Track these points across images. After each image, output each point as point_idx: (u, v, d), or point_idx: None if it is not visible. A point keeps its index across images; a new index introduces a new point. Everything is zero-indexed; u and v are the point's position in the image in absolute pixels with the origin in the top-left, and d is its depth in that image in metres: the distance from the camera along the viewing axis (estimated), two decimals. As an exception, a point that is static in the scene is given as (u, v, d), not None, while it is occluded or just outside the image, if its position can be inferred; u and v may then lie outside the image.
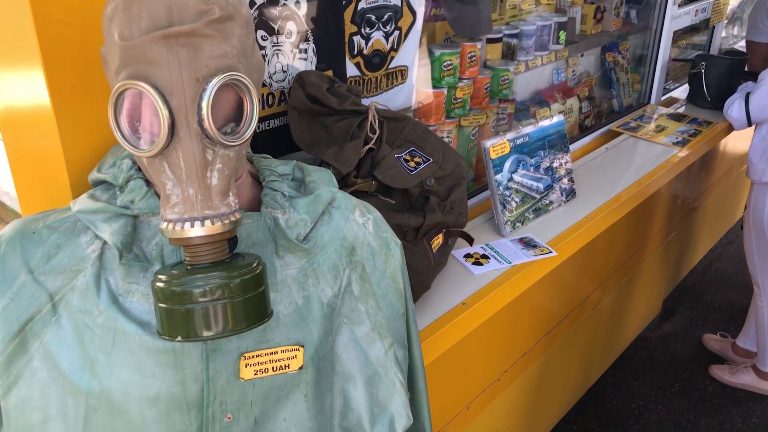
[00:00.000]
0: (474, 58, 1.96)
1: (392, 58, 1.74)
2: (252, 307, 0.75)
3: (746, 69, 2.95)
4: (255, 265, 0.76)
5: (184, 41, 0.70)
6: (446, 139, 1.99)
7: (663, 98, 3.02)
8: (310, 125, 1.38)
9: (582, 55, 2.70)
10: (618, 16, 2.78)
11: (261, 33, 1.34)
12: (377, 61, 1.69)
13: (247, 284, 0.74)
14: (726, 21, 4.08)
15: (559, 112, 2.49)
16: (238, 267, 0.74)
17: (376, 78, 1.71)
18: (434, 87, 1.90)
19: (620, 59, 2.82)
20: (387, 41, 1.70)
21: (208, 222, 0.73)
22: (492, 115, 2.15)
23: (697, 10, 3.05)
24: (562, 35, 2.44)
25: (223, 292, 0.72)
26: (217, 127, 0.74)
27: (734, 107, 2.60)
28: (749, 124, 2.61)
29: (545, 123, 1.90)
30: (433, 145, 1.48)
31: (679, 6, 2.87)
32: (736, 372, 2.94)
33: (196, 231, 0.72)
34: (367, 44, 1.64)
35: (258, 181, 0.92)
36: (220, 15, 0.73)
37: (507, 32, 2.22)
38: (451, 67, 1.88)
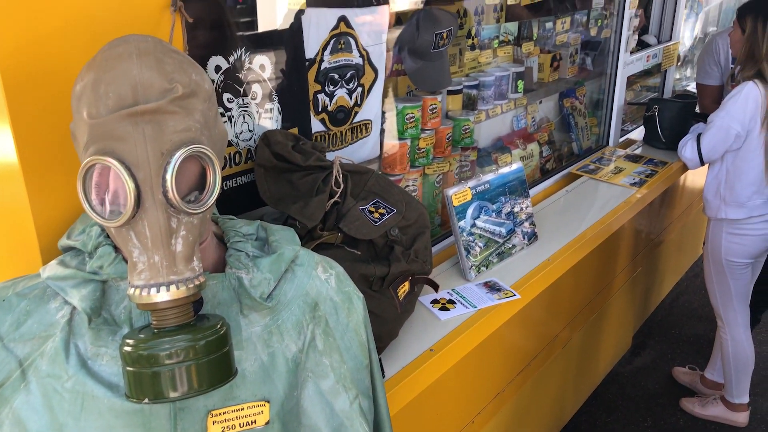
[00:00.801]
0: (435, 110, 2.05)
1: (356, 113, 1.81)
2: (217, 367, 0.78)
3: (697, 110, 3.11)
4: (219, 326, 0.79)
5: (150, 118, 0.75)
6: (411, 188, 2.06)
7: (621, 140, 3.15)
8: (277, 181, 1.43)
9: (540, 102, 2.81)
10: (574, 63, 2.92)
11: (227, 96, 1.40)
12: (342, 116, 1.76)
13: (211, 345, 0.77)
14: (678, 64, 4.28)
15: (521, 158, 2.58)
16: (202, 329, 0.78)
17: (342, 132, 1.78)
18: (398, 138, 1.97)
19: (578, 104, 2.95)
20: (350, 97, 1.77)
21: (173, 287, 0.76)
22: (455, 163, 2.23)
23: (648, 56, 3.21)
24: (520, 84, 2.55)
25: (188, 353, 0.75)
26: (182, 197, 0.78)
27: (687, 148, 2.72)
28: (702, 163, 2.73)
29: (505, 170, 1.98)
30: (397, 196, 1.54)
31: (631, 53, 3.02)
32: (706, 404, 2.99)
33: (162, 296, 0.76)
34: (331, 101, 1.71)
35: (223, 242, 0.96)
36: (183, 92, 0.78)
37: (467, 84, 2.32)
38: (413, 119, 1.96)
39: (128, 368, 0.75)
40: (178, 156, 0.75)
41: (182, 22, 1.10)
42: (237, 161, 1.47)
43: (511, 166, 2.00)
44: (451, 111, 2.26)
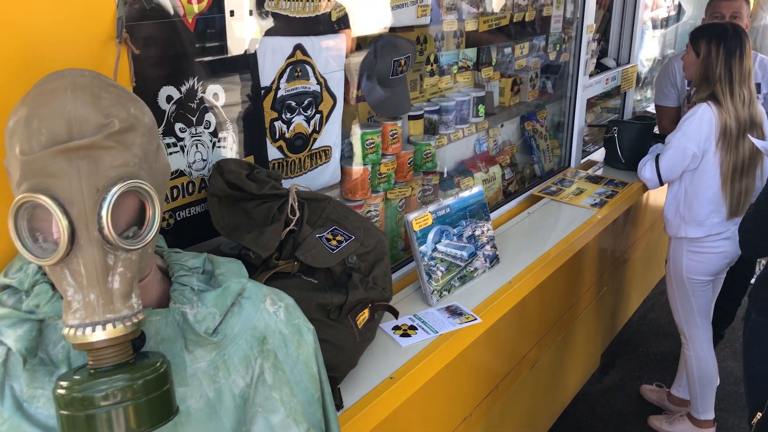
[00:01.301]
0: (396, 136, 2.06)
1: (315, 139, 1.81)
2: (157, 406, 0.76)
3: (657, 131, 3.18)
4: (159, 364, 0.78)
5: (84, 154, 0.74)
6: (373, 213, 2.06)
7: (583, 161, 3.20)
8: (231, 211, 1.42)
9: (502, 126, 2.85)
10: (534, 87, 2.97)
11: (180, 125, 1.39)
12: (300, 143, 1.76)
13: (150, 384, 0.76)
14: (639, 85, 4.38)
15: (483, 181, 2.60)
16: (141, 368, 0.76)
17: (300, 159, 1.78)
18: (359, 164, 1.98)
19: (539, 127, 3.00)
20: (309, 124, 1.77)
21: (109, 326, 0.75)
22: (418, 187, 2.24)
23: (607, 79, 3.29)
24: (481, 108, 2.58)
25: (126, 394, 0.74)
26: (119, 233, 0.77)
27: (646, 168, 2.78)
28: (661, 183, 2.78)
29: (465, 194, 1.99)
30: (355, 223, 1.54)
31: (590, 76, 3.09)
32: (673, 421, 3.02)
33: (98, 335, 0.74)
34: (288, 128, 1.71)
35: (168, 276, 0.95)
36: (120, 127, 0.77)
37: (428, 109, 2.34)
38: (373, 145, 1.97)
39: (62, 411, 0.73)
40: (114, 192, 0.74)
41: (128, 53, 1.09)
42: (190, 191, 1.45)
43: (471, 190, 2.02)
44: (412, 136, 2.27)
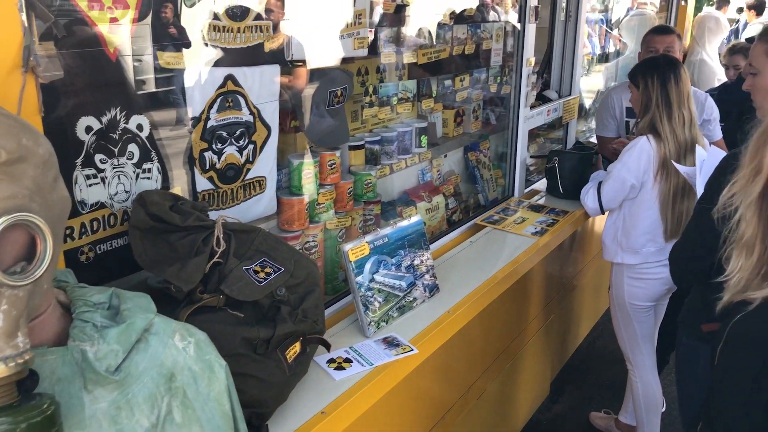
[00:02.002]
0: (334, 166, 2.05)
1: (248, 170, 1.79)
2: (43, 452, 0.72)
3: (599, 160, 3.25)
4: (46, 406, 0.73)
5: (-33, 185, 0.70)
6: (312, 244, 2.04)
7: (526, 191, 3.25)
8: (155, 243, 1.38)
9: (445, 156, 2.88)
10: (477, 119, 3.02)
11: (100, 156, 1.36)
12: (232, 174, 1.74)
13: (35, 428, 0.72)
14: (583, 116, 4.51)
15: (426, 210, 2.61)
16: (25, 410, 0.72)
17: (233, 190, 1.75)
18: (295, 195, 1.96)
19: (482, 158, 3.04)
20: (241, 155, 1.75)
21: (-10, 366, 0.70)
22: (359, 217, 2.23)
23: (549, 111, 3.37)
24: (424, 139, 2.61)
25: (6, 439, 0.69)
26: (5, 268, 0.73)
27: (588, 196, 2.83)
28: (602, 211, 2.84)
29: (404, 223, 1.99)
30: (285, 254, 1.52)
31: (532, 107, 3.16)
32: (621, 448, 3.03)
33: (-23, 376, 0.70)
34: (219, 159, 1.69)
35: (71, 313, 0.91)
36: (8, 158, 0.74)
37: (369, 139, 2.35)
38: (310, 175, 1.96)
39: None
40: None
41: (36, 83, 1.06)
42: (112, 223, 1.41)
43: (409, 220, 2.02)
44: (353, 166, 2.27)
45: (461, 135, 2.95)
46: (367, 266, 1.85)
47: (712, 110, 3.14)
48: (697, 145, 2.25)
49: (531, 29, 2.93)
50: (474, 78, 2.87)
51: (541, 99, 3.52)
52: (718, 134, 3.18)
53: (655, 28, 3.35)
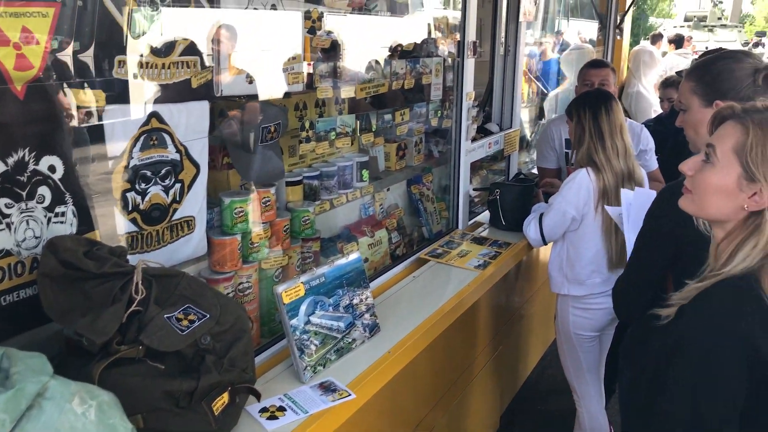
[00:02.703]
0: (269, 203, 1.99)
1: (175, 210, 1.71)
2: None
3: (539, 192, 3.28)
4: None
5: None
6: (246, 284, 1.96)
7: (470, 223, 3.25)
8: (67, 292, 1.29)
9: (388, 189, 2.85)
10: (420, 152, 3.01)
11: (5, 201, 1.27)
12: (158, 214, 1.66)
13: None
14: (525, 148, 4.58)
15: (369, 245, 2.57)
16: None
17: (159, 231, 1.67)
18: (227, 234, 1.89)
19: (425, 191, 3.03)
20: (167, 194, 1.68)
21: None
22: (296, 255, 2.17)
23: (490, 143, 3.39)
24: (365, 173, 2.58)
25: None
26: None
27: (530, 228, 2.85)
28: (545, 242, 2.85)
29: (342, 261, 1.94)
30: (211, 300, 1.44)
31: (473, 140, 3.18)
32: (570, 480, 3.00)
33: None
34: (143, 199, 1.61)
35: None
36: None
37: (307, 174, 2.30)
38: (242, 213, 1.89)
39: None
40: None
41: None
42: (19, 272, 1.31)
43: (348, 257, 1.97)
44: (291, 202, 2.22)
45: (404, 168, 2.93)
46: (303, 308, 1.79)
47: (648, 141, 3.22)
48: (622, 189, 2.29)
49: (470, 64, 2.96)
50: (415, 112, 2.87)
51: (483, 132, 3.55)
52: (654, 164, 3.26)
53: (590, 62, 3.44)
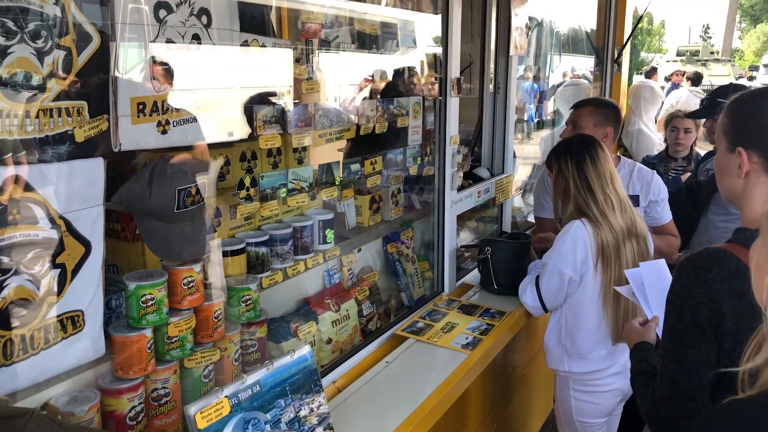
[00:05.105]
0: (193, 284, 1.56)
1: (52, 304, 1.28)
2: None
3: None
4: None
5: None
6: (162, 391, 1.51)
7: (458, 283, 2.82)
8: None
9: (359, 250, 2.43)
10: (398, 204, 2.59)
11: None
12: (23, 313, 1.22)
13: None
14: (520, 193, 4.18)
15: (333, 321, 2.13)
16: None
17: (26, 335, 1.23)
18: (133, 329, 1.45)
19: (404, 249, 2.60)
20: (38, 286, 1.24)
21: None
22: (233, 346, 1.72)
23: (480, 191, 2.99)
24: (329, 233, 2.15)
25: None
26: None
27: (527, 294, 2.42)
28: (546, 310, 2.42)
29: (283, 362, 1.50)
30: (71, 449, 1.00)
31: (459, 189, 2.77)
32: None
33: None
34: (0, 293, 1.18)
35: None
36: None
37: (253, 240, 1.87)
38: (152, 302, 1.45)
39: None
40: None
41: None
42: None
43: (292, 355, 1.53)
44: (229, 277, 1.78)
45: (379, 224, 2.51)
46: (228, 431, 1.34)
47: (660, 189, 2.79)
48: (627, 271, 1.88)
49: (454, 104, 2.56)
50: (389, 159, 2.46)
51: (472, 177, 3.15)
52: (667, 216, 2.84)
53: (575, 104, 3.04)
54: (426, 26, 2.75)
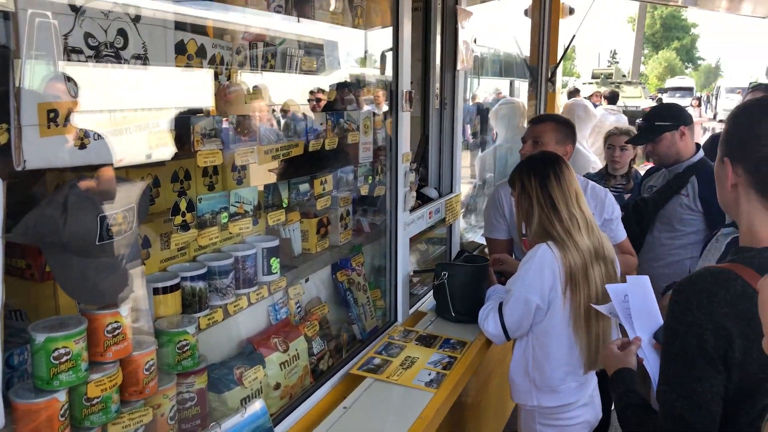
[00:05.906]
0: (119, 331, 1.28)
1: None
2: None
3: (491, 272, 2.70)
4: None
5: None
6: (80, 467, 1.22)
7: (411, 312, 2.62)
8: None
9: (307, 280, 2.19)
10: (347, 227, 2.38)
11: None
12: None
13: None
14: (463, 213, 4.05)
15: (281, 363, 1.87)
16: None
17: None
18: (42, 392, 1.16)
19: (355, 276, 2.38)
20: None
21: None
22: (169, 402, 1.44)
23: (430, 212, 2.82)
24: (275, 262, 1.91)
25: None
26: None
27: (489, 322, 2.25)
28: (508, 338, 2.25)
29: (233, 422, 1.25)
30: None
31: (411, 211, 2.58)
32: None
33: None
34: None
35: None
36: None
37: (188, 275, 1.60)
38: (67, 357, 1.16)
39: None
40: None
41: None
42: None
43: (243, 414, 1.27)
44: (161, 319, 1.51)
45: (327, 249, 2.28)
46: None
47: (614, 208, 2.71)
48: (608, 286, 1.76)
49: (405, 118, 2.39)
50: (339, 179, 2.25)
51: (420, 198, 2.98)
52: (622, 234, 2.76)
53: (532, 119, 2.94)
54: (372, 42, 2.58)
